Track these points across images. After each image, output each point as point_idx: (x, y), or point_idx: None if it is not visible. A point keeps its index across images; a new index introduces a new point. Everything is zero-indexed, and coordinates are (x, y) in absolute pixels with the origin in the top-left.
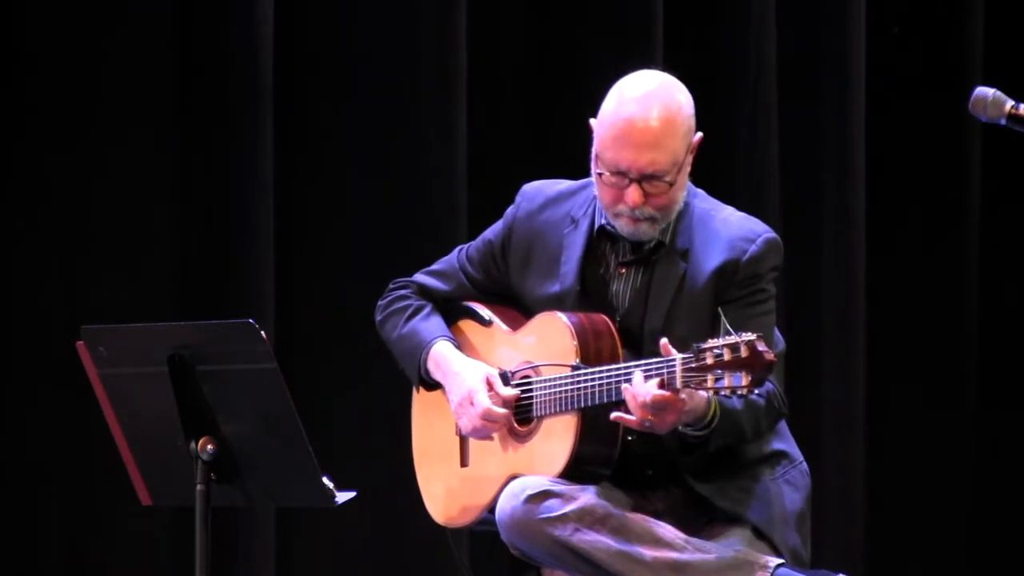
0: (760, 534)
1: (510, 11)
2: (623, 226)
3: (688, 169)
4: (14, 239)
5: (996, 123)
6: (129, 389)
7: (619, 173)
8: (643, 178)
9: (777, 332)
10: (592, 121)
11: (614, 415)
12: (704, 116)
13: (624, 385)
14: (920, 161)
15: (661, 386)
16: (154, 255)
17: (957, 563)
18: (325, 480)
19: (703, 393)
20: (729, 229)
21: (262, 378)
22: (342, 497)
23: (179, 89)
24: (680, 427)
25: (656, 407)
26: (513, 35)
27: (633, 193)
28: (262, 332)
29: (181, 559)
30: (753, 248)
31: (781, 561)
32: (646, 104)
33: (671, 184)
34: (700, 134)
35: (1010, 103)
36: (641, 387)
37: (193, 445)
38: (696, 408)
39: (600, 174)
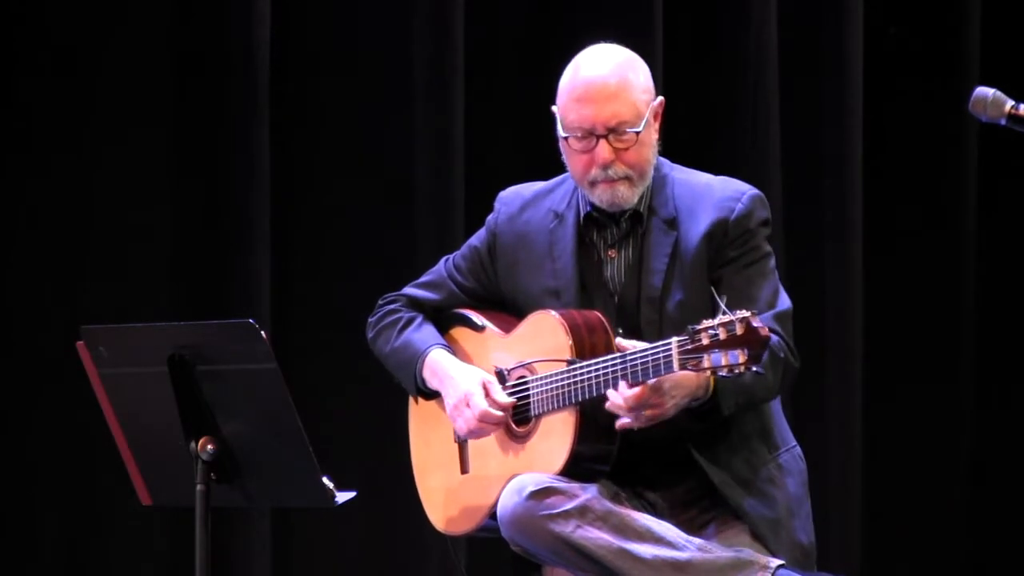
0: (760, 534)
1: (508, 11)
2: (601, 194)
3: (655, 134)
4: (14, 239)
5: (996, 123)
6: (129, 389)
7: (586, 133)
8: (609, 132)
9: (783, 291)
10: (553, 108)
11: (619, 424)
12: (704, 116)
13: (611, 397)
14: (918, 161)
15: (630, 386)
16: (153, 255)
17: (956, 563)
18: (325, 480)
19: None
20: (712, 192)
21: (262, 378)
22: (342, 497)
23: (177, 90)
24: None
25: (640, 405)
26: (511, 35)
27: (603, 150)
28: (262, 332)
29: (181, 559)
30: (739, 206)
31: (782, 562)
32: (601, 65)
33: (638, 135)
34: (661, 98)
35: (1010, 103)
36: (618, 396)
37: (193, 445)
38: (692, 386)
39: (566, 139)
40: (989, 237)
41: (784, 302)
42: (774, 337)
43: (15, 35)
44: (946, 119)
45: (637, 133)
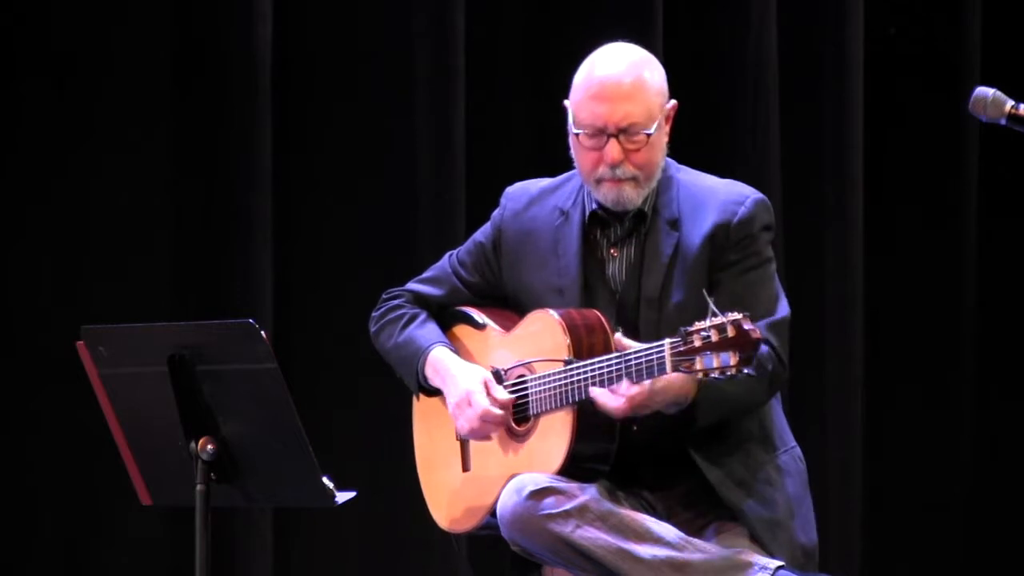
0: (759, 536)
1: (508, 11)
2: (606, 193)
3: (666, 137)
4: (13, 239)
5: (996, 123)
6: (129, 389)
7: (597, 132)
8: (620, 132)
9: (783, 297)
10: (566, 102)
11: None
12: (704, 116)
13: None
14: (918, 161)
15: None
16: (153, 255)
17: (955, 563)
18: (325, 480)
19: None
20: (716, 194)
21: (262, 378)
22: (342, 497)
23: (177, 89)
24: (664, 410)
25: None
26: (511, 35)
27: (612, 149)
28: (262, 332)
29: (181, 559)
30: (742, 210)
31: (781, 563)
32: (617, 64)
33: (649, 137)
34: (675, 102)
35: (1010, 103)
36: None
37: (193, 445)
38: (675, 391)
39: (577, 135)
40: (989, 237)
41: (782, 310)
42: (764, 348)
43: (15, 35)
44: (946, 119)
45: (648, 135)
